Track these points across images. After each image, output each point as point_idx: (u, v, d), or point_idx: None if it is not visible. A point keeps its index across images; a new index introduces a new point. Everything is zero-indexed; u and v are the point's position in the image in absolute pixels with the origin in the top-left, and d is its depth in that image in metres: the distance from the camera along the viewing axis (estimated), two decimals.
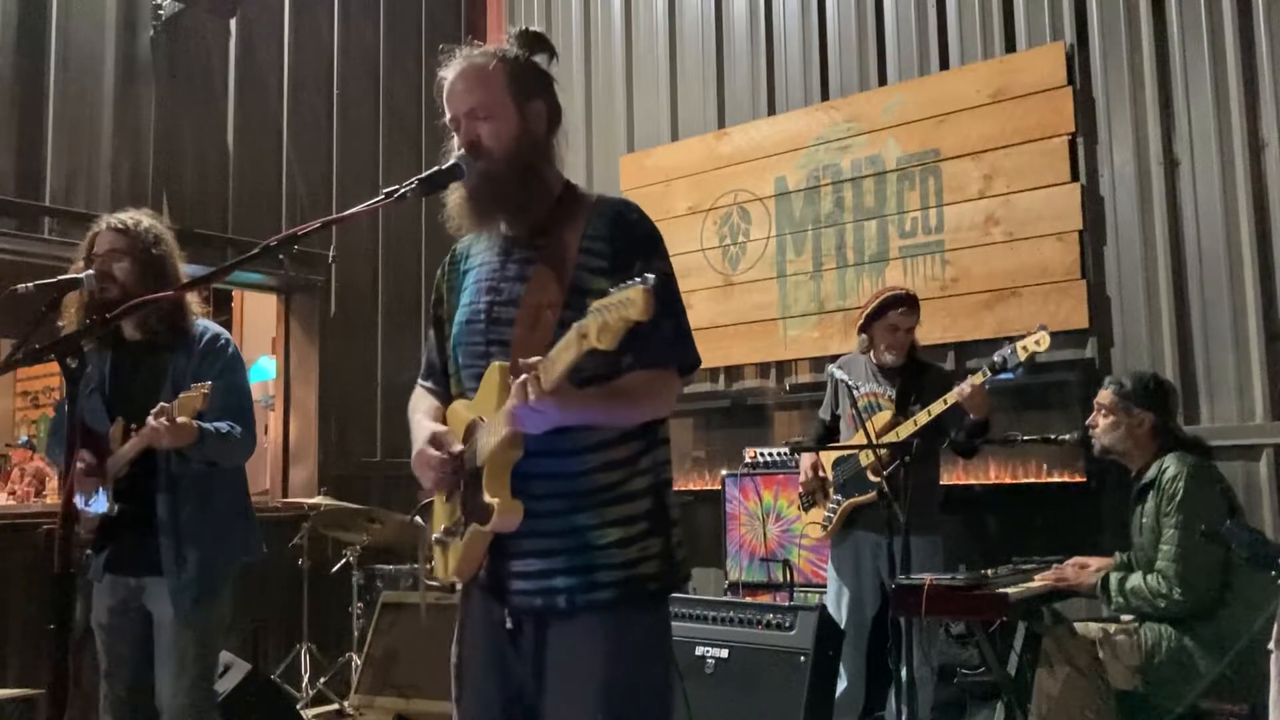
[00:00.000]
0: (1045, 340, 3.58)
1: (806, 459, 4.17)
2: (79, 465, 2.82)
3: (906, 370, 3.99)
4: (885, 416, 3.91)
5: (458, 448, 1.84)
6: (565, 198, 1.94)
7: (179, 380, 2.88)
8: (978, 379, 3.66)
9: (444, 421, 1.96)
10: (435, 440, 1.86)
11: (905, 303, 4.00)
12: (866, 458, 3.86)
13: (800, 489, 4.20)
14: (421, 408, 2.04)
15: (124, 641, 2.93)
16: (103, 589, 2.96)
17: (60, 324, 2.88)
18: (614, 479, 1.82)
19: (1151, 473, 3.25)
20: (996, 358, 3.67)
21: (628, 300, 1.48)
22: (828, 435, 4.25)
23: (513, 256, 1.91)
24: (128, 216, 2.99)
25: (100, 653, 2.97)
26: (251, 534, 3.09)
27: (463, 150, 1.87)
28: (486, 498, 1.73)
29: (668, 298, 1.83)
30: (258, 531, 3.12)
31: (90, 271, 2.84)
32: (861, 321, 4.09)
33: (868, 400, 4.01)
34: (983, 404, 3.66)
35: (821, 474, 4.11)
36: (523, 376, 1.63)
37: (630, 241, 1.85)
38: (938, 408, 3.71)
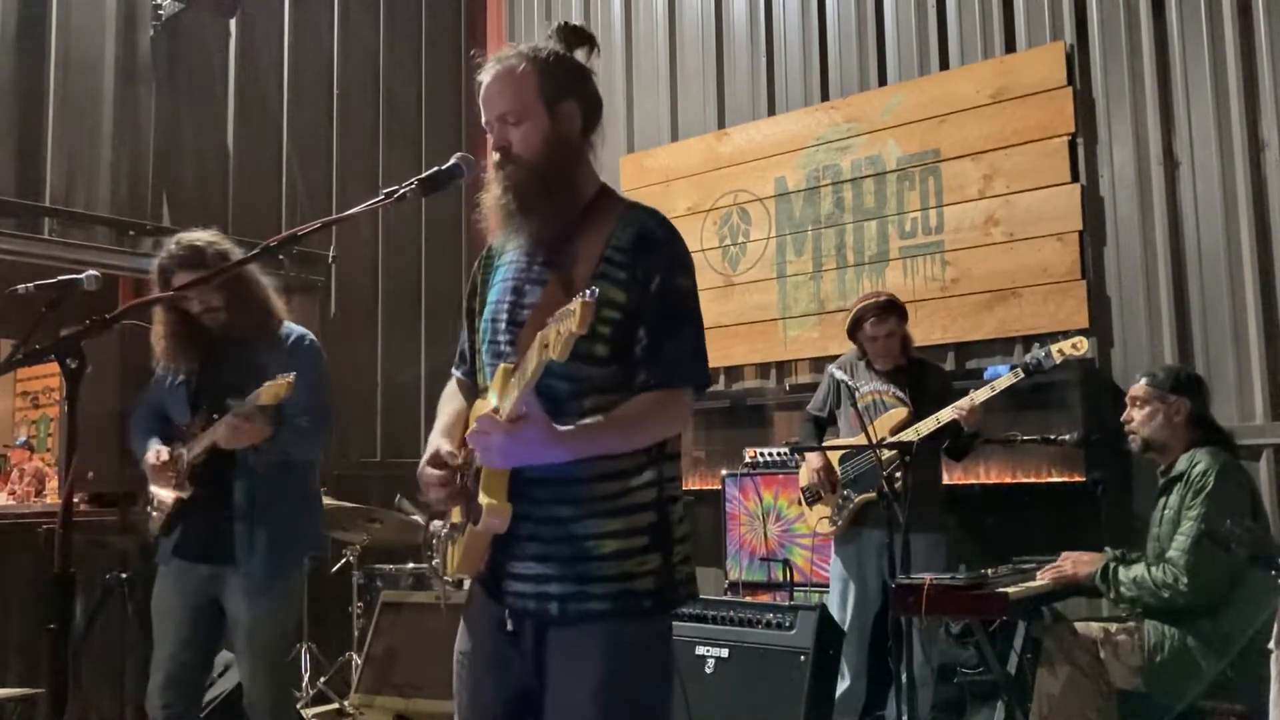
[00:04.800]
0: (1083, 344, 3.74)
1: (814, 455, 4.16)
2: (157, 460, 2.93)
3: (905, 371, 3.99)
4: (900, 414, 3.92)
5: (457, 461, 1.85)
6: (597, 202, 1.91)
7: (266, 377, 2.95)
8: (981, 395, 3.77)
9: (468, 420, 1.96)
10: (435, 459, 1.87)
11: (874, 313, 4.02)
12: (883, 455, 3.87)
13: (804, 484, 4.19)
14: (445, 410, 2.05)
15: (182, 625, 2.98)
16: (168, 574, 3.02)
17: (156, 335, 3.06)
18: (613, 489, 1.79)
19: (1181, 465, 3.21)
20: (1029, 359, 3.80)
21: (569, 312, 1.49)
22: (820, 432, 4.26)
23: (538, 259, 1.90)
24: (199, 238, 3.17)
25: (155, 634, 3.02)
26: (321, 528, 3.18)
27: (496, 155, 1.87)
28: (481, 498, 1.75)
29: (685, 313, 1.82)
30: (325, 526, 3.21)
31: (93, 272, 2.83)
32: (847, 330, 4.13)
33: (872, 399, 4.03)
34: (978, 420, 3.79)
35: (829, 471, 4.10)
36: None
37: (651, 256, 1.82)
38: (947, 415, 3.77)
